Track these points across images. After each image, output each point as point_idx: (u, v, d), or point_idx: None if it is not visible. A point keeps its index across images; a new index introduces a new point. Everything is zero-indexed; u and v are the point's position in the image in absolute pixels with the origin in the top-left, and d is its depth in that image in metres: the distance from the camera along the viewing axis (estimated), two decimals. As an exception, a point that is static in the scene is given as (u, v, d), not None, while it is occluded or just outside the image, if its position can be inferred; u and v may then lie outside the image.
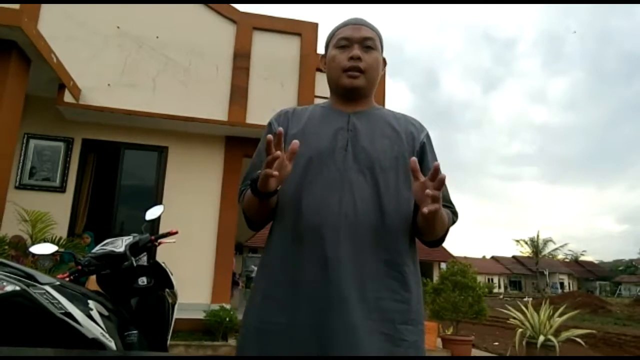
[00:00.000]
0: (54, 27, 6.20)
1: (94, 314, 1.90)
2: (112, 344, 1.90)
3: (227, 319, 5.39)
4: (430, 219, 1.11)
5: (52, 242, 4.87)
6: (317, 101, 7.39)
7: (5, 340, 1.70)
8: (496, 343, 8.58)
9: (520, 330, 5.60)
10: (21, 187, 6.44)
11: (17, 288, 1.71)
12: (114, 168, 6.98)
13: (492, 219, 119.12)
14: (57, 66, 5.41)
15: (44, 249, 2.39)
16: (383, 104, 7.79)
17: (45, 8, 6.42)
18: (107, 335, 1.90)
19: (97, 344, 1.84)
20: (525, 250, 46.23)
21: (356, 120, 1.29)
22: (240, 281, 16.39)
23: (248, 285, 14.95)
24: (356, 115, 1.31)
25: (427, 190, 1.03)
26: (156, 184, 7.05)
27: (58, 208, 6.39)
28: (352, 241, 1.15)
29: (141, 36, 6.79)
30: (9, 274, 1.74)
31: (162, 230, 4.62)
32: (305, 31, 7.45)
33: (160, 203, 5.38)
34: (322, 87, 7.46)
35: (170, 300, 2.34)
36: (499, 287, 49.01)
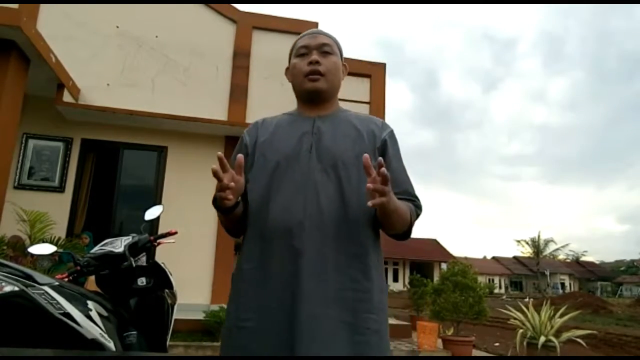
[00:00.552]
0: (53, 27, 6.19)
1: (93, 314, 1.89)
2: (111, 345, 1.89)
3: (227, 320, 5.35)
4: (382, 212, 1.20)
5: (51, 242, 4.87)
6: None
7: (4, 340, 1.69)
8: (497, 344, 8.56)
9: (521, 330, 5.58)
10: (20, 187, 6.43)
11: (16, 288, 1.70)
12: (113, 168, 6.97)
13: (493, 219, 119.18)
14: (56, 66, 5.41)
15: (43, 249, 2.38)
16: (383, 104, 7.79)
17: (44, 8, 6.41)
18: (106, 335, 1.89)
19: (96, 344, 1.83)
20: (526, 251, 46.22)
21: (321, 123, 1.37)
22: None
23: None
24: (321, 119, 1.39)
25: (368, 184, 1.08)
26: (156, 184, 7.04)
27: (57, 208, 6.38)
28: (317, 236, 1.22)
29: (141, 36, 6.78)
30: (7, 274, 1.73)
31: (161, 231, 4.60)
32: (305, 30, 7.43)
33: (160, 203, 5.37)
34: (322, 87, 7.46)
35: (169, 301, 2.33)
36: (500, 287, 49.01)
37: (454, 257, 25.14)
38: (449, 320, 6.47)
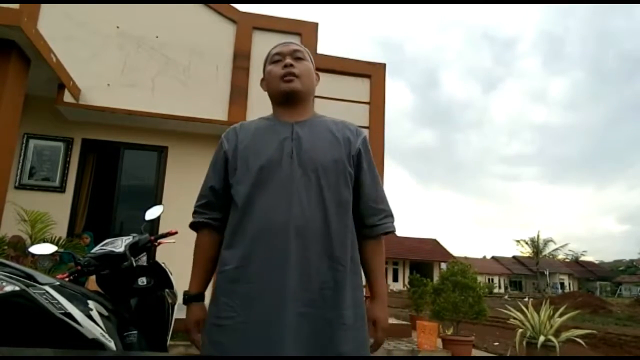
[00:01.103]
0: (54, 27, 6.19)
1: (94, 314, 1.90)
2: (111, 344, 1.90)
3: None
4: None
5: (52, 242, 4.88)
6: (317, 101, 7.40)
7: (5, 340, 1.69)
8: (496, 343, 8.57)
9: (521, 330, 5.58)
10: (21, 187, 6.44)
11: (17, 288, 1.71)
12: (114, 168, 6.97)
13: (492, 219, 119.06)
14: (56, 66, 5.41)
15: (44, 249, 2.38)
16: (383, 104, 7.79)
17: (44, 8, 6.41)
18: (106, 335, 1.89)
19: (96, 344, 1.84)
20: (525, 251, 46.21)
21: (299, 129, 1.43)
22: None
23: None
24: (299, 125, 1.44)
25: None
26: (156, 184, 7.05)
27: (57, 208, 6.39)
28: (300, 239, 1.29)
29: (141, 36, 6.79)
30: (8, 274, 1.74)
31: (161, 230, 4.60)
32: (305, 31, 7.45)
33: (160, 203, 5.38)
34: (322, 87, 7.45)
35: (170, 301, 2.34)
36: (500, 287, 48.97)
37: (453, 257, 25.14)
38: (449, 320, 6.47)
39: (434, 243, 41.43)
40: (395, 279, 38.41)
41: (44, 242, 4.22)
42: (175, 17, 7.06)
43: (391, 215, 1.48)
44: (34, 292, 1.73)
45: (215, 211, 1.46)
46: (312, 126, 1.45)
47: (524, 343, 5.46)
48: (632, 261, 61.34)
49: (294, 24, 7.46)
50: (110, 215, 6.83)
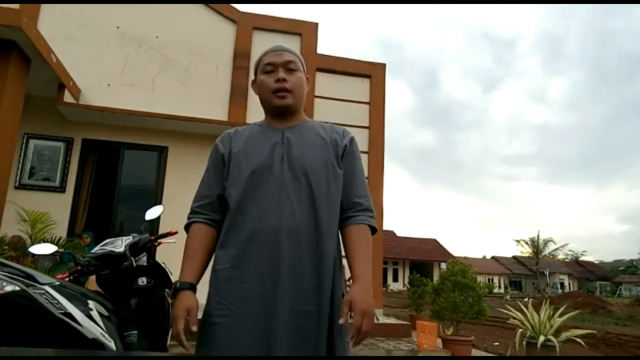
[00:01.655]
0: (54, 27, 6.20)
1: (94, 314, 1.90)
2: (111, 344, 1.90)
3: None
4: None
5: (52, 242, 4.88)
6: (317, 101, 7.40)
7: (5, 340, 1.70)
8: (496, 343, 8.57)
9: (521, 330, 5.58)
10: (21, 187, 6.44)
11: (17, 288, 1.71)
12: (114, 168, 6.98)
13: (492, 219, 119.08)
14: (56, 66, 5.41)
15: (44, 249, 2.38)
16: (383, 104, 7.80)
17: (45, 8, 6.42)
18: (106, 335, 1.90)
19: (96, 344, 1.84)
20: (525, 251, 46.16)
21: (289, 134, 1.49)
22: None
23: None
24: (289, 130, 1.50)
25: (349, 340, 1.28)
26: (156, 184, 7.05)
27: (57, 208, 6.39)
28: (291, 239, 1.34)
29: (141, 36, 6.79)
30: (8, 274, 1.74)
31: (161, 230, 4.61)
32: (305, 31, 7.45)
33: (160, 203, 5.37)
34: (322, 87, 7.46)
35: (170, 301, 2.34)
36: (499, 287, 48.96)
37: (453, 257, 25.14)
38: (449, 319, 6.47)
39: (434, 243, 41.43)
40: (395, 279, 38.41)
41: (44, 242, 4.22)
42: (175, 17, 7.06)
43: (368, 210, 1.48)
44: (34, 292, 1.73)
45: (212, 212, 1.49)
46: (301, 131, 1.51)
47: (524, 343, 5.46)
48: (632, 261, 61.38)
49: (294, 24, 7.47)
50: (110, 215, 6.83)
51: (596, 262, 63.20)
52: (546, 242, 44.31)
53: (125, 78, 6.63)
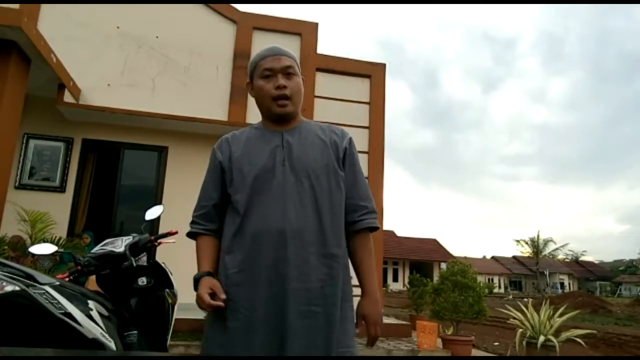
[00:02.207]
0: (54, 27, 6.19)
1: (94, 314, 1.90)
2: (111, 344, 1.90)
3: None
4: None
5: (52, 242, 4.88)
6: (317, 101, 7.40)
7: (4, 340, 1.70)
8: (496, 343, 8.57)
9: (521, 330, 5.59)
10: (21, 187, 6.44)
11: (17, 288, 1.71)
12: (114, 168, 6.98)
13: (492, 219, 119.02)
14: (56, 66, 5.41)
15: (44, 249, 2.39)
16: (383, 104, 7.79)
17: (45, 8, 6.41)
18: (107, 335, 1.90)
19: (97, 344, 1.84)
20: (525, 251, 46.18)
21: (289, 137, 1.49)
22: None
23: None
24: (288, 132, 1.51)
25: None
26: (156, 184, 7.05)
27: (58, 208, 6.39)
28: (297, 242, 1.36)
29: (141, 36, 6.79)
30: (8, 274, 1.74)
31: (161, 230, 4.61)
32: (305, 31, 7.45)
33: (160, 203, 5.38)
34: (322, 87, 7.46)
35: (170, 301, 2.34)
36: (499, 287, 48.97)
37: (453, 257, 25.14)
38: (449, 319, 6.47)
39: (434, 243, 41.43)
40: (395, 279, 38.41)
41: (44, 242, 4.22)
42: (175, 17, 7.06)
43: (373, 212, 1.53)
44: (34, 292, 1.73)
45: (213, 222, 1.53)
46: (300, 133, 1.51)
47: (524, 343, 5.47)
48: (632, 261, 61.37)
49: (294, 24, 7.46)
50: (111, 215, 6.83)
51: (596, 262, 63.21)
52: (546, 242, 44.35)
53: (125, 78, 6.62)
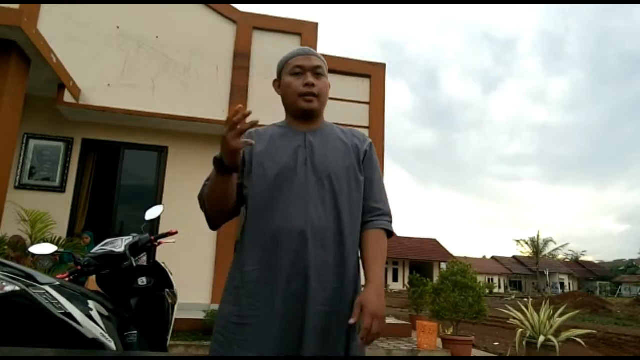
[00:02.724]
0: (54, 28, 6.20)
1: (94, 314, 1.90)
2: (111, 344, 1.90)
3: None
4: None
5: (52, 242, 4.88)
6: (317, 101, 7.41)
7: (4, 340, 1.70)
8: (496, 343, 8.58)
9: (520, 330, 5.59)
10: (21, 187, 6.45)
11: (17, 288, 1.71)
12: (114, 168, 6.98)
13: (492, 219, 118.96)
14: (56, 66, 5.41)
15: (44, 249, 2.39)
16: (383, 104, 7.80)
17: (45, 8, 6.42)
18: (107, 335, 1.90)
19: (97, 344, 1.84)
20: (525, 250, 46.24)
21: (312, 137, 1.50)
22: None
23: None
24: (311, 133, 1.51)
25: (359, 340, 1.30)
26: (156, 184, 7.05)
27: (58, 208, 6.40)
28: (316, 241, 1.36)
29: (141, 36, 6.79)
30: (8, 274, 1.74)
31: (162, 230, 4.61)
32: (305, 31, 7.45)
33: (160, 203, 5.38)
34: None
35: (170, 301, 2.34)
36: (500, 287, 48.98)
37: (453, 257, 25.14)
38: (449, 319, 6.48)
39: (434, 243, 41.43)
40: (395, 279, 38.41)
41: (44, 242, 4.22)
42: (175, 17, 7.06)
43: (387, 215, 1.52)
44: (34, 292, 1.73)
45: None
46: (323, 135, 1.52)
47: (524, 343, 5.46)
48: (632, 261, 61.35)
49: (294, 24, 7.46)
50: (111, 215, 6.83)
51: (596, 262, 63.19)
52: (546, 242, 44.41)
53: (125, 78, 6.63)
